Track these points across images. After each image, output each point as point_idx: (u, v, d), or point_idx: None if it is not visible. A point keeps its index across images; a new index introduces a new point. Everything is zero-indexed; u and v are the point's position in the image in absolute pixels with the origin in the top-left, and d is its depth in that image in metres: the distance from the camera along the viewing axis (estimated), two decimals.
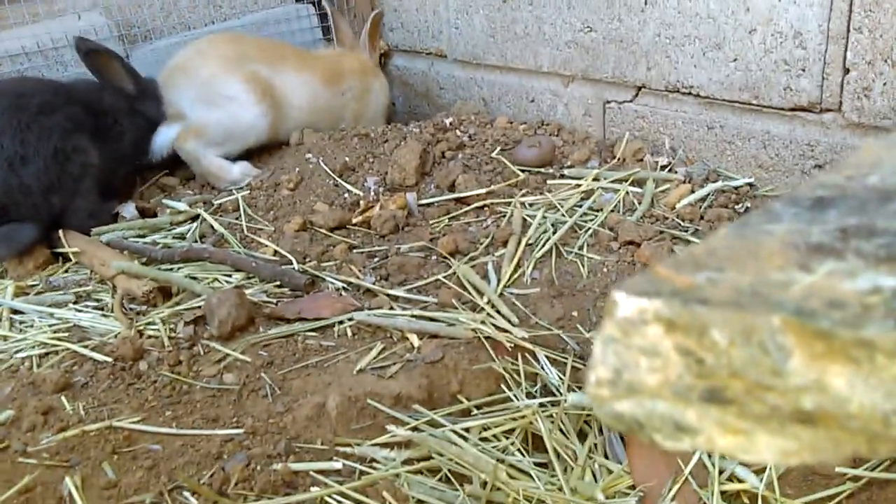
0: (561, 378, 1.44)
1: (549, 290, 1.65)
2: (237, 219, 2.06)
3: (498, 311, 1.57)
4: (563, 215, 1.90)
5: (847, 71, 1.73)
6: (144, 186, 2.36)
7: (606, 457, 1.32)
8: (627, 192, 1.96)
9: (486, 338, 1.48)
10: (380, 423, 1.33)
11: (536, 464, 1.29)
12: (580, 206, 1.93)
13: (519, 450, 1.31)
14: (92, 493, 1.19)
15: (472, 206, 2.00)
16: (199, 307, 1.64)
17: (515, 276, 1.71)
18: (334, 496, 1.19)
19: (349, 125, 2.48)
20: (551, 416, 1.35)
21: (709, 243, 0.55)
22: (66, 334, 1.63)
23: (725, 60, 1.93)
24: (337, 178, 2.13)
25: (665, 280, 0.50)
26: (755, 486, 1.18)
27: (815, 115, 1.82)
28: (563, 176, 2.10)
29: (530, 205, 1.97)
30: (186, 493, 1.19)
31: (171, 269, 1.83)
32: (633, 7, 2.08)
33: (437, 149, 2.21)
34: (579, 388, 1.42)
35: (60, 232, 2.00)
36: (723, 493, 1.19)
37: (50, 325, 1.68)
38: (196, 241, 1.98)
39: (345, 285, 1.72)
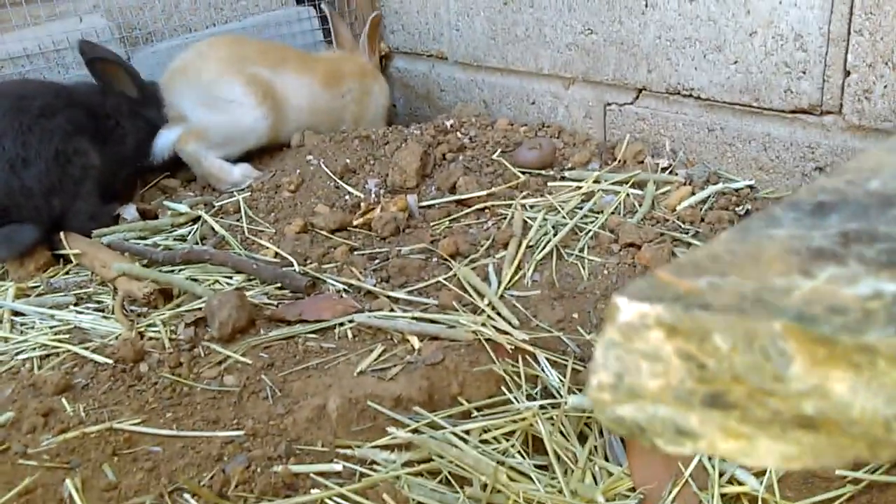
0: (561, 380, 1.44)
1: (549, 293, 1.65)
2: (238, 221, 2.06)
3: (498, 314, 1.57)
4: (563, 217, 1.90)
5: (848, 73, 1.73)
6: (145, 188, 2.36)
7: (607, 459, 1.32)
8: (628, 195, 1.96)
9: (487, 340, 1.48)
10: (380, 425, 1.33)
11: (537, 466, 1.29)
12: (581, 208, 1.93)
13: (519, 452, 1.31)
14: (92, 495, 1.19)
15: (473, 208, 2.00)
16: (200, 309, 1.64)
17: (516, 278, 1.71)
18: (334, 498, 1.19)
19: (349, 127, 2.49)
20: (552, 418, 1.35)
21: (710, 248, 0.55)
22: (67, 336, 1.63)
23: (726, 63, 1.93)
24: (338, 180, 2.13)
25: (667, 285, 0.50)
26: (755, 488, 1.18)
27: (816, 117, 1.82)
28: (563, 178, 2.10)
29: (531, 207, 1.98)
30: (187, 495, 1.19)
31: (172, 271, 1.84)
32: (633, 9, 2.08)
33: (437, 151, 2.21)
34: (580, 390, 1.42)
35: (61, 234, 2.00)
36: (723, 495, 1.19)
37: (51, 327, 1.68)
38: (197, 243, 1.98)
39: (345, 287, 1.73)
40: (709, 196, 1.93)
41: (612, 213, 1.91)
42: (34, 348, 1.60)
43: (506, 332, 1.50)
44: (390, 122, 2.70)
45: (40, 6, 2.45)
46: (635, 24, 2.09)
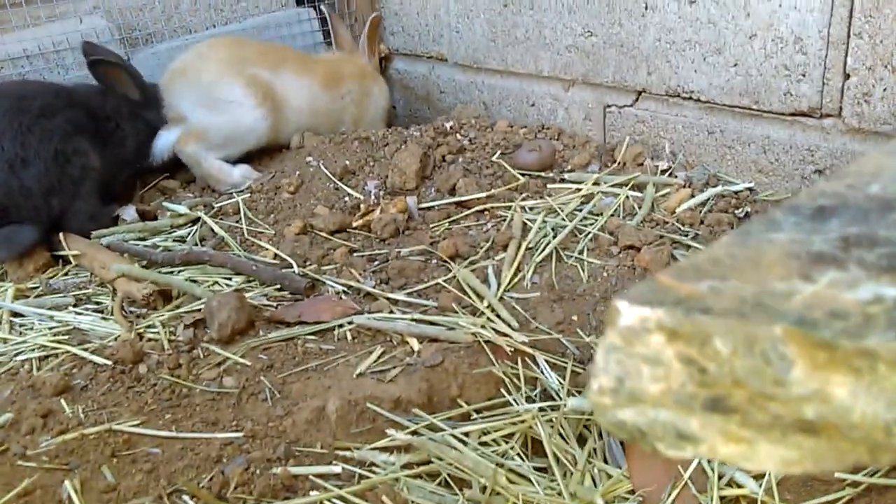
0: (561, 382, 1.44)
1: (549, 295, 1.65)
2: (237, 222, 2.06)
3: (498, 316, 1.57)
4: (563, 219, 1.90)
5: (847, 76, 1.73)
6: (145, 189, 2.36)
7: (606, 461, 1.32)
8: (627, 197, 1.96)
9: (486, 342, 1.48)
10: (379, 426, 1.33)
11: (536, 468, 1.29)
12: (580, 211, 1.94)
13: (518, 454, 1.31)
14: (91, 497, 1.19)
15: (473, 209, 2.01)
16: (200, 310, 1.64)
17: (515, 280, 1.71)
18: (334, 500, 1.19)
19: (349, 129, 2.49)
20: (551, 420, 1.35)
21: (711, 252, 0.55)
22: (66, 337, 1.63)
23: (726, 65, 1.93)
24: (337, 182, 2.13)
25: (667, 289, 0.50)
26: (754, 491, 1.18)
27: (816, 120, 1.82)
28: (563, 180, 2.10)
29: (530, 209, 1.98)
30: (186, 497, 1.19)
31: (172, 273, 1.83)
32: (633, 12, 2.09)
33: (437, 152, 2.21)
34: (579, 392, 1.42)
35: (61, 234, 2.00)
36: (722, 498, 1.19)
37: (50, 328, 1.68)
38: (196, 245, 1.98)
39: (345, 289, 1.73)
40: (708, 198, 1.93)
41: (612, 215, 1.91)
42: (33, 349, 1.60)
43: (505, 335, 1.50)
44: (390, 123, 2.70)
45: (40, 7, 2.45)
46: (635, 27, 2.09)
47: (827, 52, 1.74)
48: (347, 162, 2.18)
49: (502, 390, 1.43)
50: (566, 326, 1.57)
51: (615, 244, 1.80)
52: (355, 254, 1.88)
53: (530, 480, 1.25)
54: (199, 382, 1.45)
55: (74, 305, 1.77)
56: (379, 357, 1.48)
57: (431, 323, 1.56)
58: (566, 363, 1.47)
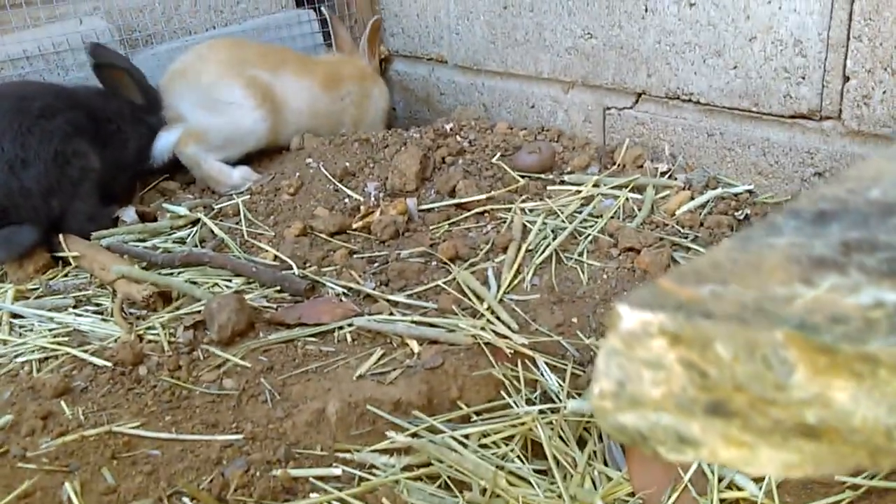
0: (561, 385, 1.44)
1: (548, 297, 1.65)
2: (237, 223, 2.06)
3: (498, 318, 1.57)
4: (563, 221, 1.90)
5: (847, 79, 1.73)
6: (144, 191, 2.36)
7: (606, 464, 1.32)
8: (627, 199, 1.97)
9: (486, 344, 1.48)
10: (379, 429, 1.33)
11: (536, 471, 1.29)
12: (580, 213, 1.94)
13: (518, 456, 1.31)
14: (91, 499, 1.19)
15: (473, 211, 2.01)
16: (199, 312, 1.64)
17: (515, 282, 1.71)
18: (334, 502, 1.19)
19: (349, 130, 2.49)
20: (551, 422, 1.35)
21: (712, 256, 0.55)
22: (66, 339, 1.63)
23: (725, 68, 1.93)
24: (337, 183, 2.13)
25: (668, 293, 0.50)
26: (754, 494, 1.18)
27: (815, 122, 1.82)
28: (563, 182, 2.10)
29: (530, 211, 1.98)
30: (186, 499, 1.19)
31: (171, 274, 1.83)
32: (633, 14, 2.09)
33: (437, 154, 2.21)
34: (579, 394, 1.42)
35: (60, 236, 2.00)
36: (722, 500, 1.19)
37: (49, 330, 1.68)
38: (196, 246, 1.98)
39: (345, 291, 1.73)
40: (708, 201, 1.93)
41: (612, 217, 1.91)
42: (33, 351, 1.59)
43: (505, 337, 1.50)
44: (390, 125, 2.70)
45: (40, 8, 2.45)
46: (635, 29, 2.09)
47: (826, 55, 1.74)
48: (347, 163, 2.19)
49: (502, 392, 1.43)
50: (566, 328, 1.57)
51: (615, 246, 1.80)
52: (355, 255, 1.88)
53: (530, 483, 1.25)
54: (199, 384, 1.45)
55: (74, 307, 1.77)
56: (379, 359, 1.48)
57: (431, 325, 1.56)
58: (566, 365, 1.47)
